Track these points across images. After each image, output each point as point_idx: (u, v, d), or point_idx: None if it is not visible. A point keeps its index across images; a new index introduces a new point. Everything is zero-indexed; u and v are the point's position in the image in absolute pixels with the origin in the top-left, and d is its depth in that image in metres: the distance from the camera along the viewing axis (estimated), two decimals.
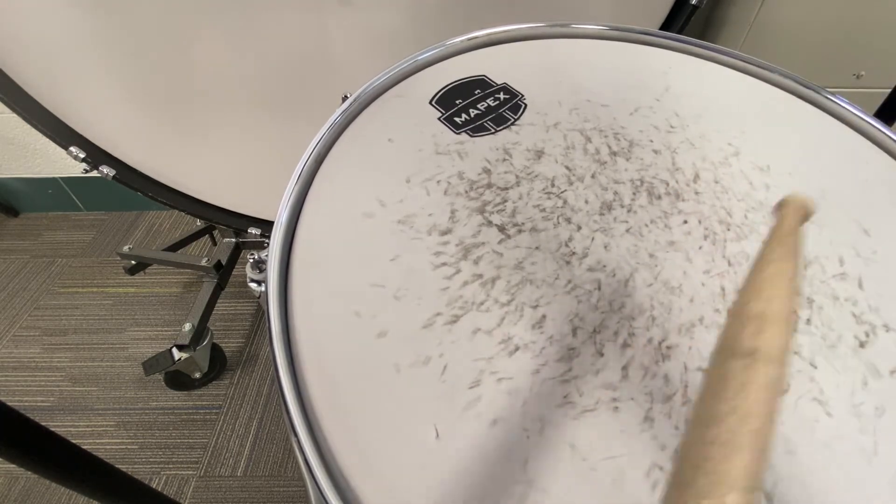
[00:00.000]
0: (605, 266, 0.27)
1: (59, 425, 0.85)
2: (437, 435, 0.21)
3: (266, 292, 0.25)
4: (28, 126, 0.58)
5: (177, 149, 0.66)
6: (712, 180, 0.31)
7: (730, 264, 0.27)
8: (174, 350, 0.80)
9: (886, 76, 0.78)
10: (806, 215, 0.18)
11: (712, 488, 0.11)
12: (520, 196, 0.30)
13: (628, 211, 0.30)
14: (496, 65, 0.39)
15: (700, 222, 0.29)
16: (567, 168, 0.32)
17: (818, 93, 0.37)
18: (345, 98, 0.36)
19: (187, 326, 0.82)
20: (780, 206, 0.18)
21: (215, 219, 0.75)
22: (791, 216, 0.18)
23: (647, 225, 0.29)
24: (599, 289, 0.26)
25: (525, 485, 0.20)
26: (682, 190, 0.31)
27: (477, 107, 0.36)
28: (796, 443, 0.21)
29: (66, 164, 1.08)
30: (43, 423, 0.30)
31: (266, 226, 0.77)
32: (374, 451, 0.20)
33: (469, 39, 0.41)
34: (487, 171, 0.31)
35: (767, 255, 0.16)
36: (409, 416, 0.21)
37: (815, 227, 0.29)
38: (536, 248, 0.27)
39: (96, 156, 0.62)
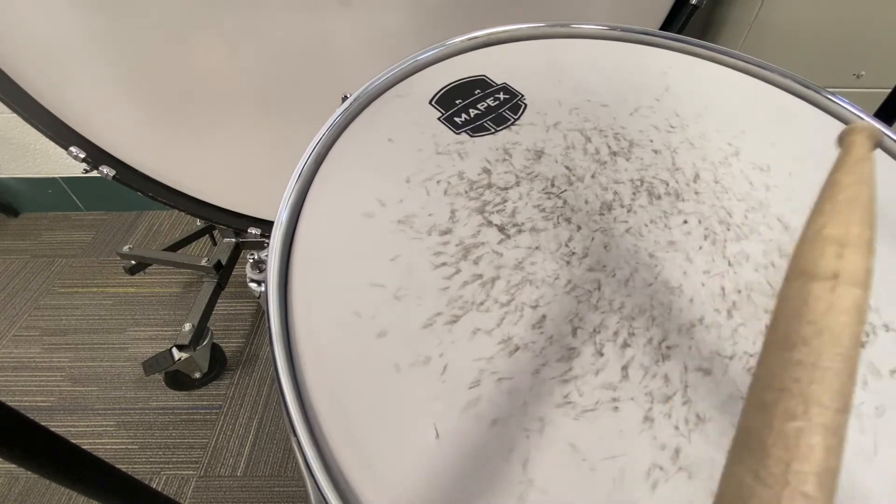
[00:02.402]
0: (605, 266, 0.27)
1: (59, 425, 0.85)
2: (437, 435, 0.21)
3: (266, 292, 0.25)
4: (28, 126, 0.58)
5: (177, 149, 0.66)
6: (712, 180, 0.31)
7: (730, 264, 0.27)
8: (174, 350, 0.80)
9: (886, 76, 0.78)
10: (875, 142, 0.17)
11: (805, 409, 0.11)
12: (520, 196, 0.30)
13: (628, 211, 0.30)
14: (496, 65, 0.39)
15: (700, 222, 0.29)
16: (567, 168, 0.32)
17: (818, 93, 0.37)
18: (345, 98, 0.36)
19: (187, 326, 0.82)
20: (847, 134, 0.18)
21: (215, 219, 0.75)
22: (861, 143, 0.17)
23: (646, 225, 0.29)
24: (599, 289, 0.26)
25: (525, 485, 0.20)
26: (682, 190, 0.31)
27: (477, 107, 0.36)
28: None
29: (66, 164, 1.08)
30: (43, 423, 0.30)
31: (266, 226, 0.77)
32: (374, 451, 0.20)
33: (469, 39, 0.41)
34: (487, 171, 0.31)
35: (840, 180, 0.16)
36: (410, 416, 0.21)
37: None
38: (536, 248, 0.27)
39: (96, 156, 0.62)
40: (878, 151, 0.33)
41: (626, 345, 0.24)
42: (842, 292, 0.12)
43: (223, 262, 0.88)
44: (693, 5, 0.60)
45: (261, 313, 1.00)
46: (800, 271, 0.14)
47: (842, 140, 0.18)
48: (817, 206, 0.15)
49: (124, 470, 0.38)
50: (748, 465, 0.11)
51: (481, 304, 0.25)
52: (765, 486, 0.10)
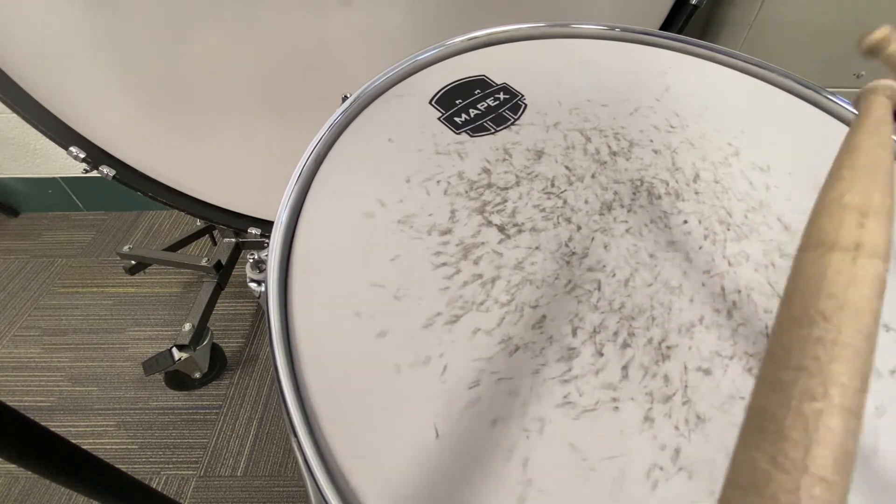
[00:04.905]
0: (605, 266, 0.27)
1: (59, 425, 0.85)
2: (437, 435, 0.21)
3: (266, 292, 0.25)
4: (28, 126, 0.58)
5: (177, 149, 0.66)
6: (712, 180, 0.31)
7: (730, 264, 0.27)
8: (174, 350, 0.80)
9: (886, 76, 0.78)
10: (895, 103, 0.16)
11: (825, 389, 0.10)
12: (520, 196, 0.30)
13: (628, 211, 0.30)
14: (496, 65, 0.39)
15: (700, 222, 0.29)
16: (567, 168, 0.32)
17: (818, 93, 0.37)
18: (345, 98, 0.36)
19: (187, 326, 0.82)
20: (866, 95, 0.16)
21: (215, 219, 0.75)
22: (880, 104, 0.16)
23: (646, 225, 0.29)
24: (599, 289, 0.26)
25: (525, 485, 0.20)
26: (682, 190, 0.31)
27: (477, 107, 0.36)
28: None
29: (66, 164, 1.08)
30: (43, 423, 0.30)
31: (266, 226, 0.77)
32: (374, 451, 0.20)
33: (469, 39, 0.41)
34: (487, 171, 0.31)
35: (861, 143, 0.15)
36: (410, 417, 0.21)
37: None
38: (536, 248, 0.27)
39: (96, 156, 0.62)
40: None
41: (626, 345, 0.24)
42: (864, 264, 0.12)
43: (223, 262, 0.88)
44: (693, 5, 0.60)
45: (261, 313, 1.00)
46: (817, 241, 0.13)
47: (859, 101, 0.17)
48: (835, 171, 0.14)
49: (124, 470, 0.38)
50: (764, 449, 0.10)
51: (481, 304, 0.25)
52: (783, 471, 0.10)
